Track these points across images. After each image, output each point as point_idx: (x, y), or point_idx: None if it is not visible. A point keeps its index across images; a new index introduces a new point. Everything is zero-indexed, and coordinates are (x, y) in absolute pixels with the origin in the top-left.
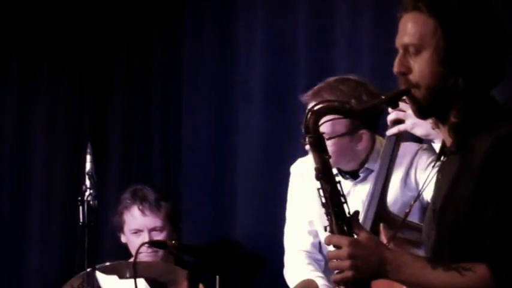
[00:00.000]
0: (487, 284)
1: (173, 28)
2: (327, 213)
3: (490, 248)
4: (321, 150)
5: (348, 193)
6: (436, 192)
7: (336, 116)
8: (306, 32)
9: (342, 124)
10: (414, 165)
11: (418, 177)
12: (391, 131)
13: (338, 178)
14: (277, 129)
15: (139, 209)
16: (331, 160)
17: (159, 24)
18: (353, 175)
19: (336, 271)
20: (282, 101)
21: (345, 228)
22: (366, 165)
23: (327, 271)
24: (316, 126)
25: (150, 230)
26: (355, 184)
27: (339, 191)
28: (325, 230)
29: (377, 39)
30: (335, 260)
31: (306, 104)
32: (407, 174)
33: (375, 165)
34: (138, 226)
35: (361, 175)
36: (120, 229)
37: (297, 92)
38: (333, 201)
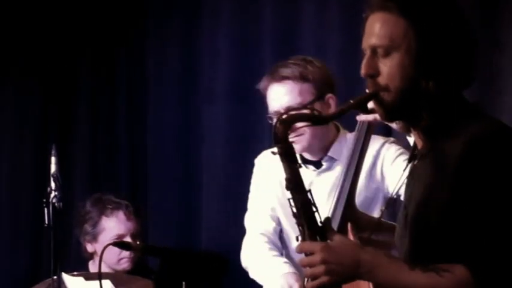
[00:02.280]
0: (466, 285)
1: (137, 31)
2: (299, 224)
3: (471, 249)
4: (290, 160)
5: (311, 183)
6: (407, 196)
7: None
8: (271, 33)
9: (308, 92)
10: (381, 157)
11: (384, 170)
12: (367, 117)
13: (301, 168)
14: (242, 129)
15: (124, 213)
16: (305, 142)
17: (123, 28)
18: (316, 164)
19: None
20: (246, 102)
21: (318, 238)
22: (329, 154)
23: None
24: (286, 135)
25: (132, 235)
26: (319, 174)
27: (310, 200)
28: (297, 239)
29: (343, 42)
30: (309, 268)
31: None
32: (373, 165)
33: (338, 154)
34: (123, 231)
35: (325, 164)
36: (93, 238)
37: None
38: (305, 211)
